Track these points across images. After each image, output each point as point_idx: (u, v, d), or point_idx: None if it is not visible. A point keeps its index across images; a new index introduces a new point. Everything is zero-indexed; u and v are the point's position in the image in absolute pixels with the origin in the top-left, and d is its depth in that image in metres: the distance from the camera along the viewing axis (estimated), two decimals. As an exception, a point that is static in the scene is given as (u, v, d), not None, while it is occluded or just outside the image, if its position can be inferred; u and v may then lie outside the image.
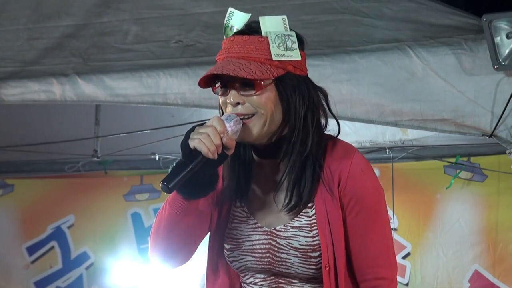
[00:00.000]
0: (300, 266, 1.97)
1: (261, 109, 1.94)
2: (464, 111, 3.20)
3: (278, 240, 1.99)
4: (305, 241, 1.96)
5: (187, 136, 1.90)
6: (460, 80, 3.17)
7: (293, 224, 1.98)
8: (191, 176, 1.87)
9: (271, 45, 1.95)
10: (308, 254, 1.96)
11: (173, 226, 1.99)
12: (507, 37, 2.99)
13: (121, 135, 4.94)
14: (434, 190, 5.00)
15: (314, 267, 1.96)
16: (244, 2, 3.13)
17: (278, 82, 1.95)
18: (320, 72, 3.30)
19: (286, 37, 1.97)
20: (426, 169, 5.01)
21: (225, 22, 2.02)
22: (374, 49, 3.25)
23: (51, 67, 3.65)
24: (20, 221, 5.66)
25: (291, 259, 1.97)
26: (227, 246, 2.06)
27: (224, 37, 2.03)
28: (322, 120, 2.03)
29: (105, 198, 5.59)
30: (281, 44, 1.96)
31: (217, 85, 1.98)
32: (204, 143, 1.86)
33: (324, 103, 2.03)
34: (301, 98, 1.97)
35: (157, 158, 5.21)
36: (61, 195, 5.64)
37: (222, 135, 1.88)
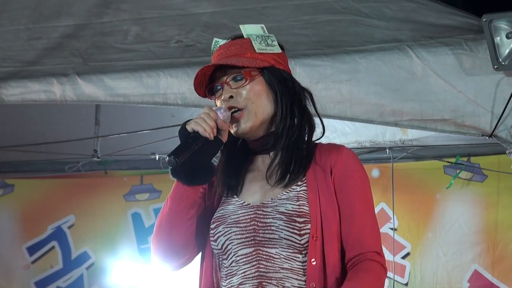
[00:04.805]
0: (284, 230, 2.04)
1: (251, 101, 2.11)
2: (464, 111, 3.20)
3: (264, 208, 2.08)
4: (291, 207, 2.06)
5: (183, 125, 2.08)
6: (460, 80, 3.18)
7: (280, 197, 2.09)
8: (191, 159, 2.01)
9: (253, 42, 2.15)
10: (293, 218, 2.05)
11: (175, 218, 2.10)
12: (507, 37, 2.99)
13: (121, 135, 4.94)
14: (434, 190, 4.99)
15: (297, 232, 2.04)
16: (244, 2, 3.14)
17: (265, 73, 2.13)
18: (320, 72, 3.31)
19: (266, 37, 2.17)
20: (426, 169, 5.00)
21: (211, 49, 2.23)
22: (374, 49, 3.25)
23: (51, 67, 3.65)
24: (20, 221, 5.65)
25: (276, 223, 2.05)
26: (212, 226, 2.13)
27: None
28: (311, 116, 2.17)
29: (105, 198, 5.58)
30: (262, 41, 2.16)
31: (213, 89, 2.18)
32: (200, 124, 2.05)
33: (309, 102, 2.18)
34: (286, 88, 2.14)
35: (157, 158, 5.21)
36: (61, 195, 5.63)
37: (215, 119, 2.07)
